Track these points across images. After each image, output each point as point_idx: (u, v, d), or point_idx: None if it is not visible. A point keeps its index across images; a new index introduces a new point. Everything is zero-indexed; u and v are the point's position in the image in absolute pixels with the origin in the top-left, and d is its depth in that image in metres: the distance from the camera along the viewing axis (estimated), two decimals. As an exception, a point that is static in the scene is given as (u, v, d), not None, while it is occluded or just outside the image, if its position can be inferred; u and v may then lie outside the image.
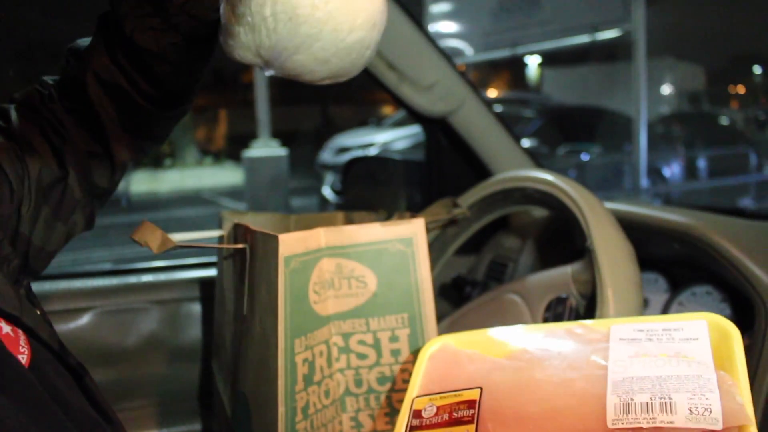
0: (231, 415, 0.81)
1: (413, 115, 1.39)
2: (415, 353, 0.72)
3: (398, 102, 1.35)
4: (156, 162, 9.93)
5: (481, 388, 0.54)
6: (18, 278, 0.73)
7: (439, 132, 1.44)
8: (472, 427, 0.51)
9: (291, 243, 0.68)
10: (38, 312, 0.68)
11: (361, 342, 0.72)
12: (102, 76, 0.76)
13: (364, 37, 0.63)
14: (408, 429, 0.54)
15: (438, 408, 0.54)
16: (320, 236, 0.71)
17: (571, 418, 0.48)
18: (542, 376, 0.52)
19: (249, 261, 0.73)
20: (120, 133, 0.80)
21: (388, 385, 0.73)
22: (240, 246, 0.75)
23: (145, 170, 9.36)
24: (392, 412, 0.73)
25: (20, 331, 0.59)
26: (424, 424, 0.54)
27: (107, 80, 0.76)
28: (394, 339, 0.72)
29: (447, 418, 0.53)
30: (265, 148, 8.25)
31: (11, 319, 0.59)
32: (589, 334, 0.56)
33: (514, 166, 1.37)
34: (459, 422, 0.52)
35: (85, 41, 0.80)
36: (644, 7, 7.42)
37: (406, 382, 0.72)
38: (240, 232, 0.77)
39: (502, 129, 1.41)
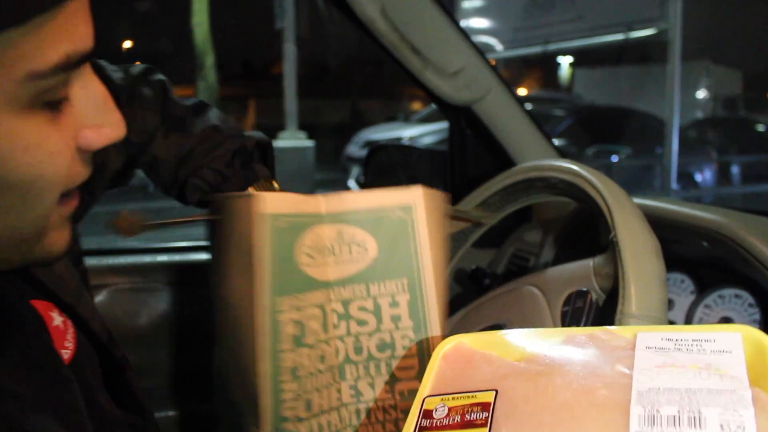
0: (214, 393, 0.79)
1: (437, 103, 1.36)
2: (415, 320, 0.71)
3: (422, 88, 1.32)
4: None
5: (496, 391, 0.51)
6: (78, 260, 0.73)
7: (463, 120, 1.41)
8: (485, 430, 0.48)
9: (275, 201, 0.68)
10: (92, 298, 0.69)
11: (362, 308, 0.72)
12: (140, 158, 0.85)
13: None
14: (417, 429, 0.52)
15: (450, 409, 0.52)
16: (320, 203, 0.71)
17: (591, 427, 0.45)
18: (561, 382, 0.49)
19: (226, 226, 0.72)
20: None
21: (388, 352, 0.72)
22: (214, 217, 0.75)
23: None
24: (392, 381, 0.72)
25: (70, 323, 0.60)
26: (434, 425, 0.51)
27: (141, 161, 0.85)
28: (394, 305, 0.72)
29: (459, 420, 0.50)
30: (292, 140, 8.29)
31: (66, 309, 0.60)
32: (613, 340, 0.53)
33: (539, 157, 1.34)
34: (471, 425, 0.49)
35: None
36: (681, 6, 7.29)
37: (406, 348, 0.71)
38: (216, 203, 0.76)
39: (528, 120, 1.37)
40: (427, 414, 0.53)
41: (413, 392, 0.68)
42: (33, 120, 0.44)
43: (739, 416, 0.42)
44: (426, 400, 0.54)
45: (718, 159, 9.04)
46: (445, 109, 1.41)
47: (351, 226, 0.71)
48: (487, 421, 0.49)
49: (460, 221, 0.88)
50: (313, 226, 0.71)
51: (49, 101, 0.44)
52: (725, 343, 0.49)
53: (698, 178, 8.58)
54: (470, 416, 0.50)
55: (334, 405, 0.72)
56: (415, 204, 0.72)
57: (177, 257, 1.35)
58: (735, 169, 9.00)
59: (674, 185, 7.86)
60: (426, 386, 0.56)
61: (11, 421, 0.46)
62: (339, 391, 0.72)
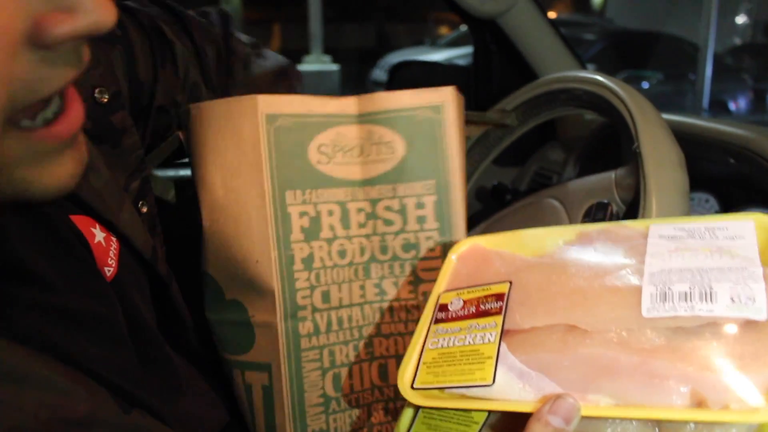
0: (201, 309, 0.80)
1: (462, 15, 1.33)
2: (440, 222, 0.72)
3: (446, 1, 1.29)
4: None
5: (510, 282, 0.52)
6: (139, 168, 0.69)
7: (488, 35, 1.38)
8: (500, 317, 0.50)
9: (275, 103, 0.68)
10: (146, 209, 0.68)
11: (388, 208, 0.72)
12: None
13: None
14: (433, 322, 0.53)
15: (465, 302, 0.53)
16: (348, 104, 0.71)
17: (603, 307, 0.46)
18: (575, 271, 0.50)
19: (223, 130, 0.70)
20: None
21: (412, 253, 0.73)
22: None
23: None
24: (416, 281, 0.73)
25: (113, 240, 0.58)
26: (450, 316, 0.53)
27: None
28: (420, 205, 0.72)
29: (474, 311, 0.52)
30: (317, 64, 8.21)
31: (107, 225, 0.58)
32: (626, 232, 0.53)
33: (563, 70, 1.31)
34: (486, 314, 0.51)
35: None
36: None
37: (432, 250, 0.72)
38: (215, 107, 0.73)
39: (554, 33, 1.34)
40: (442, 308, 0.54)
41: None
42: None
43: (750, 289, 0.43)
44: (441, 295, 0.55)
45: (754, 87, 8.77)
46: (470, 22, 1.37)
47: (380, 125, 0.71)
48: (501, 309, 0.50)
49: (480, 125, 0.86)
50: (335, 126, 0.71)
51: None
52: (738, 230, 0.49)
53: (732, 106, 8.36)
54: (485, 306, 0.51)
55: (357, 301, 0.74)
56: (445, 104, 0.71)
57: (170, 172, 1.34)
58: (772, 98, 8.74)
59: (706, 114, 7.68)
60: (441, 284, 0.57)
61: (48, 339, 0.46)
62: (363, 288, 0.74)
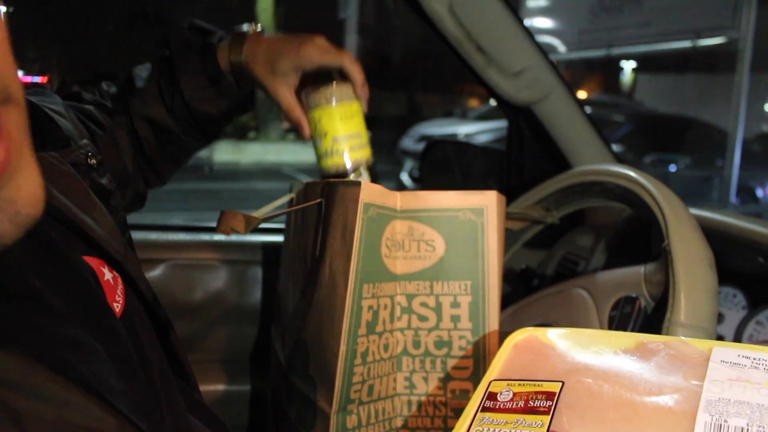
0: (287, 365, 0.82)
1: (497, 101, 1.37)
2: (474, 322, 0.73)
3: (483, 86, 1.33)
4: (240, 134, 10.14)
5: (562, 383, 0.52)
6: (123, 229, 0.78)
7: (522, 121, 1.42)
8: (547, 418, 0.49)
9: (372, 191, 0.70)
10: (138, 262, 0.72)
11: (424, 304, 0.74)
12: (154, 118, 0.91)
13: None
14: (480, 409, 0.53)
15: (515, 394, 0.53)
16: (396, 199, 0.74)
17: (653, 428, 0.46)
18: (629, 383, 0.50)
19: (325, 210, 0.74)
20: (160, 158, 0.95)
21: (444, 350, 0.74)
22: (317, 201, 0.77)
23: (229, 141, 9.57)
24: (446, 378, 0.74)
25: (120, 280, 0.62)
26: (497, 407, 0.53)
27: (159, 123, 0.91)
28: (455, 305, 0.74)
29: (522, 406, 0.52)
30: (347, 130, 8.31)
31: (115, 266, 0.62)
32: (687, 351, 0.53)
33: (596, 162, 1.33)
34: (534, 411, 0.50)
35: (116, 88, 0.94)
36: (755, 14, 7.04)
37: (463, 349, 0.73)
38: (313, 189, 0.79)
39: (587, 124, 1.37)
40: (491, 396, 0.54)
41: (465, 392, 0.70)
42: None
43: None
44: (492, 383, 0.55)
45: (782, 174, 8.74)
46: (505, 108, 1.41)
47: (422, 223, 0.73)
48: (550, 409, 0.50)
49: (520, 221, 0.89)
50: (392, 220, 0.73)
51: None
52: None
53: (759, 192, 8.33)
54: (534, 403, 0.51)
55: (390, 393, 0.74)
56: (487, 208, 0.73)
57: (234, 237, 1.38)
58: (800, 186, 8.69)
59: (733, 199, 7.64)
60: (494, 370, 0.57)
61: (70, 368, 0.48)
62: (395, 380, 0.75)
